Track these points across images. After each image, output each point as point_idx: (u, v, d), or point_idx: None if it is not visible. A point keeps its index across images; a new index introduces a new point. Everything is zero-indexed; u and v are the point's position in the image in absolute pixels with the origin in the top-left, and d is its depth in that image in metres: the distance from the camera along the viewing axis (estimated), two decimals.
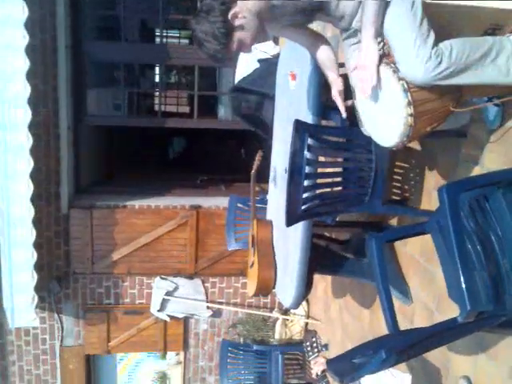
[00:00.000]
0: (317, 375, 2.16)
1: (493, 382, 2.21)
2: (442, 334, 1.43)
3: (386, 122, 1.90)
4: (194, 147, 8.93)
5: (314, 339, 2.24)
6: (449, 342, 2.02)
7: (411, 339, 1.41)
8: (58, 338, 5.12)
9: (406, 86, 1.74)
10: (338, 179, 2.48)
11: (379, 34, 1.75)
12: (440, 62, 1.70)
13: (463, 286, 1.30)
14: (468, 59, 1.74)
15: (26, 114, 3.76)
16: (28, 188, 3.91)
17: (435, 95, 1.80)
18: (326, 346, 3.78)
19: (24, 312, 4.33)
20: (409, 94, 1.75)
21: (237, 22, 1.74)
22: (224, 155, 8.57)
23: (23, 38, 3.67)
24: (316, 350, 2.22)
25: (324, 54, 2.04)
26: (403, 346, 1.40)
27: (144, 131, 7.60)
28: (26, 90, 3.73)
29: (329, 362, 1.77)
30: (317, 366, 2.17)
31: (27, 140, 3.80)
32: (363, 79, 1.80)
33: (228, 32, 1.72)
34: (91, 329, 5.11)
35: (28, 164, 3.86)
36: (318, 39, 2.07)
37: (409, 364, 2.92)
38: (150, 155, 8.93)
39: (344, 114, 1.93)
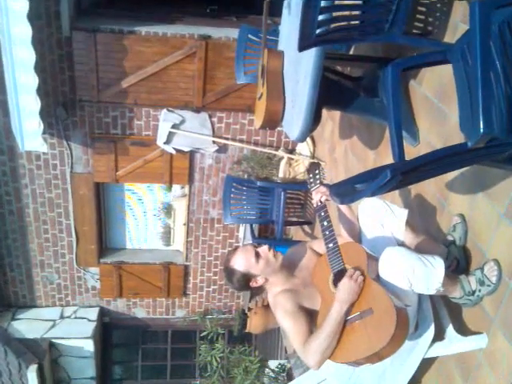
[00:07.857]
0: (317, 204, 2.19)
1: (487, 219, 2.24)
2: (449, 158, 1.40)
3: None
4: None
5: (317, 171, 2.23)
6: (453, 170, 2.01)
7: (417, 162, 1.38)
8: (67, 165, 5.23)
9: None
10: (358, 1, 2.27)
11: None
12: None
13: (480, 106, 1.23)
14: None
15: None
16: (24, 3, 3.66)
17: None
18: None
19: (32, 137, 4.36)
20: None
21: None
22: None
23: None
24: (318, 181, 2.22)
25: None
26: (408, 167, 1.37)
27: None
28: None
29: (331, 186, 1.78)
30: (318, 194, 2.19)
31: None
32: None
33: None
34: (99, 157, 5.20)
35: None
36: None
37: (405, 200, 2.99)
38: None
39: None
